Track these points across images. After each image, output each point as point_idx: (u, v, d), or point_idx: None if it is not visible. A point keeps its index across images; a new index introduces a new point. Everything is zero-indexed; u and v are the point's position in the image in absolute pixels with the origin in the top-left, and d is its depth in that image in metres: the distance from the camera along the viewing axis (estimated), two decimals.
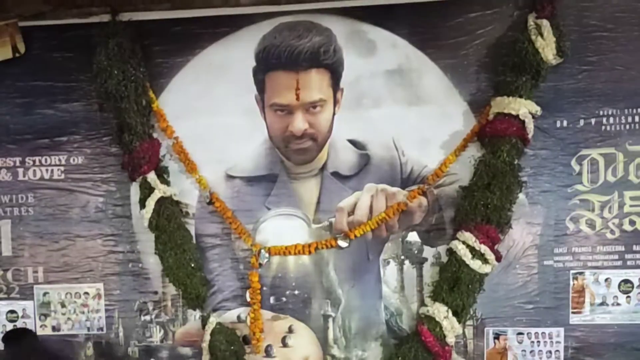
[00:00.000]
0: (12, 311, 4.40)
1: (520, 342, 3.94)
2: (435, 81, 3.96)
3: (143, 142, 4.07)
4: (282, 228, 4.09)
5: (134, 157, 4.07)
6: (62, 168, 4.33)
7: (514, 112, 3.72)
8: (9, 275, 4.40)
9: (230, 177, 4.14)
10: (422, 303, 3.98)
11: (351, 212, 3.98)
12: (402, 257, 4.02)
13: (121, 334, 4.28)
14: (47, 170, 4.34)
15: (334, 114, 4.02)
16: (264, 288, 4.06)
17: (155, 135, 4.16)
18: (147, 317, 4.25)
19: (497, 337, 3.96)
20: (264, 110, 4.08)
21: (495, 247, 3.79)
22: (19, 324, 4.35)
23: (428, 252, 4.01)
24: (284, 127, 4.03)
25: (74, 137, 4.29)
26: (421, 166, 3.97)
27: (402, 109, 3.98)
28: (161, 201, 4.06)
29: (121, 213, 4.27)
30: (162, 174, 4.14)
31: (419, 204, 3.93)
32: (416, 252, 4.00)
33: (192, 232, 4.16)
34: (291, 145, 4.05)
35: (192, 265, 4.08)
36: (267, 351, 4.05)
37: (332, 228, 4.01)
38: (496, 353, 3.97)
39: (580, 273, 3.91)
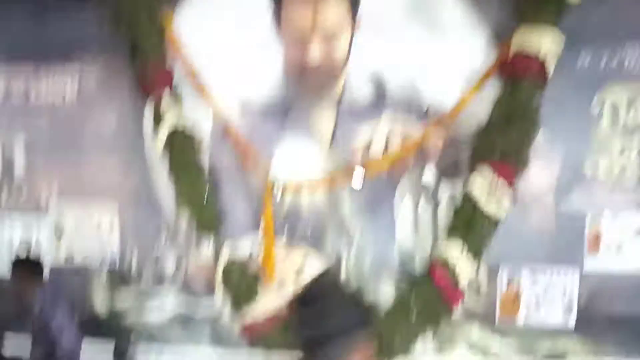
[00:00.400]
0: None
1: (533, 285, 3.91)
2: (458, 10, 3.81)
3: (156, 65, 4.02)
4: (296, 161, 4.04)
5: (147, 79, 4.03)
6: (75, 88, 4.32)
7: (534, 52, 3.55)
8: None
9: (244, 108, 4.08)
10: (436, 244, 3.93)
11: (366, 149, 3.87)
12: (417, 197, 3.96)
13: (135, 263, 4.35)
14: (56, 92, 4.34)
15: (351, 43, 3.88)
16: (278, 221, 4.03)
17: (168, 58, 4.07)
18: (160, 246, 4.30)
19: (510, 281, 3.95)
20: (280, 39, 3.96)
21: (512, 186, 3.70)
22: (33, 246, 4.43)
23: (443, 192, 3.93)
24: (300, 57, 3.89)
25: (87, 58, 4.28)
26: (439, 101, 3.85)
27: (422, 40, 3.83)
28: (174, 129, 4.02)
29: (134, 137, 4.25)
30: (176, 100, 4.07)
31: (436, 141, 3.83)
32: (431, 191, 3.94)
33: (206, 163, 4.12)
34: (307, 76, 3.92)
35: (206, 194, 4.06)
36: (281, 282, 3.99)
37: (347, 164, 3.94)
38: (509, 298, 3.97)
39: (597, 217, 3.85)
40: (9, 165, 4.43)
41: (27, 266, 4.10)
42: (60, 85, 4.29)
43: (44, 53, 4.27)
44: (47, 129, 4.34)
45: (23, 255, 4.23)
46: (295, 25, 3.87)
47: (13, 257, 4.16)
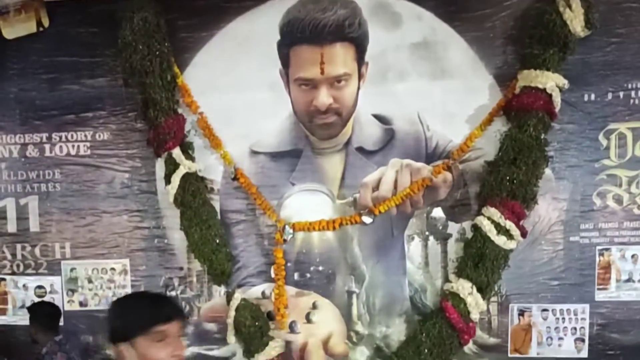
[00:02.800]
0: (40, 286, 4.66)
1: (545, 319, 4.04)
2: (461, 54, 4.05)
3: (168, 118, 4.21)
4: (306, 204, 4.23)
5: (159, 132, 4.22)
6: (88, 144, 4.53)
7: (540, 86, 3.79)
8: (37, 251, 4.64)
9: (254, 153, 4.28)
10: (447, 279, 4.10)
11: (375, 188, 4.09)
12: (427, 233, 4.14)
13: None
14: (73, 146, 4.55)
15: (358, 88, 4.13)
16: (289, 264, 4.22)
17: (180, 110, 4.30)
18: (173, 293, 4.42)
19: (521, 313, 4.07)
20: (289, 85, 4.20)
21: (521, 222, 3.88)
22: (47, 299, 4.58)
23: (453, 227, 4.12)
24: (308, 102, 4.15)
25: (100, 113, 4.49)
26: (446, 141, 4.08)
27: (428, 83, 4.08)
28: (186, 177, 4.22)
29: (147, 189, 4.46)
30: (187, 150, 4.28)
31: (444, 179, 4.04)
32: (441, 227, 4.13)
33: (217, 208, 4.32)
34: (316, 120, 4.17)
35: (217, 241, 4.24)
36: (292, 327, 4.20)
37: (356, 204, 4.13)
38: (521, 330, 4.08)
39: (607, 249, 4.00)
40: (23, 221, 4.63)
41: (43, 311, 4.26)
42: (75, 140, 4.52)
43: (59, 110, 4.50)
44: (61, 183, 4.55)
45: (39, 301, 4.39)
46: (303, 71, 4.14)
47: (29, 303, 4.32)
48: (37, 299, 4.58)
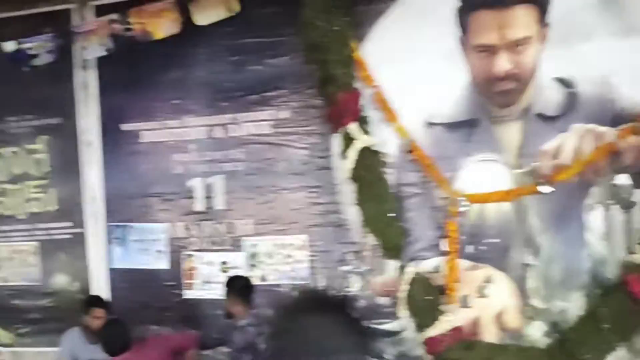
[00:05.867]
0: (223, 262, 4.98)
1: None
2: None
3: (345, 93, 4.39)
4: (482, 175, 4.22)
5: (336, 108, 4.41)
6: (270, 122, 4.84)
7: None
8: (222, 228, 4.98)
9: (430, 124, 4.35)
10: (630, 250, 3.90)
11: (555, 155, 4.01)
12: (609, 202, 3.96)
13: (322, 284, 4.65)
14: (256, 125, 4.87)
15: (539, 51, 4.09)
16: (462, 237, 4.21)
17: (356, 85, 4.46)
18: (346, 267, 4.59)
19: None
20: (467, 52, 4.25)
21: None
22: (230, 274, 4.88)
23: (637, 195, 3.92)
24: (487, 69, 4.17)
25: (281, 92, 4.79)
26: (634, 103, 3.90)
27: (615, 42, 3.95)
28: (362, 152, 4.35)
29: (323, 164, 4.67)
30: (363, 124, 4.42)
31: (630, 144, 3.87)
32: (625, 195, 3.93)
33: (391, 182, 4.42)
34: (494, 88, 4.17)
35: (391, 215, 4.34)
36: (464, 301, 4.18)
37: (534, 173, 4.06)
38: None
39: None
40: (209, 199, 4.98)
41: (240, 284, 4.54)
42: (258, 119, 4.82)
43: (244, 91, 4.84)
44: (244, 162, 4.85)
45: (235, 275, 4.69)
46: (482, 36, 4.17)
47: (227, 278, 4.62)
48: (221, 275, 4.88)
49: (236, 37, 4.86)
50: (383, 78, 4.43)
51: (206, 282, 4.99)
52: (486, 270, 4.20)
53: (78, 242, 5.36)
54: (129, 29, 4.92)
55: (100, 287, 5.22)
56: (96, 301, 4.84)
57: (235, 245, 4.95)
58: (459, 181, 4.26)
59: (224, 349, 4.63)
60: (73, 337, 4.82)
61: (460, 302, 4.18)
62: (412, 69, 4.35)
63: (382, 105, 4.42)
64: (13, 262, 5.54)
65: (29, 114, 5.50)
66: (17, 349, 5.49)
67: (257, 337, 4.21)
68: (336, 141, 4.55)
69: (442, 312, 4.16)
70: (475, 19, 4.19)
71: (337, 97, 4.40)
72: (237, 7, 4.74)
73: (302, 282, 4.71)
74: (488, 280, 4.17)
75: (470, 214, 4.22)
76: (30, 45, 5.17)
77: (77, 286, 5.34)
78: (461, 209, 4.18)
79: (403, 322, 4.34)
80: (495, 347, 4.12)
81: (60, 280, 5.42)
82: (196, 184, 5.03)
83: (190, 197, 5.04)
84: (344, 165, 4.45)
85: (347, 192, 4.53)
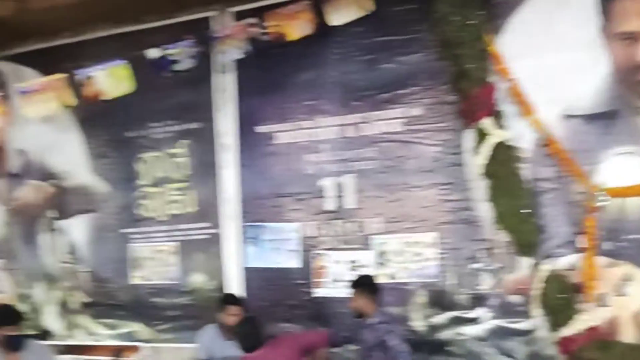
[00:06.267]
0: (352, 261, 4.97)
1: None
2: None
3: (479, 88, 4.33)
4: (622, 168, 4.03)
5: (469, 103, 4.36)
6: (402, 120, 4.81)
7: None
8: (352, 226, 4.98)
9: (567, 117, 4.21)
10: None
11: None
12: None
13: (452, 282, 4.57)
14: (388, 123, 4.86)
15: None
16: (600, 233, 4.03)
17: (491, 79, 4.39)
18: (477, 265, 4.48)
19: None
20: (608, 41, 4.10)
21: None
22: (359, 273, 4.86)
23: None
24: (630, 58, 4.01)
25: (413, 89, 4.76)
26: None
27: None
28: (495, 146, 4.27)
29: (455, 161, 4.59)
30: (498, 118, 4.34)
31: None
32: None
33: (526, 177, 4.29)
34: (637, 77, 4.00)
35: (525, 211, 4.21)
36: (601, 300, 3.99)
37: None
38: None
39: None
40: (340, 198, 4.99)
41: (368, 282, 4.52)
42: (389, 117, 4.81)
43: (376, 90, 4.85)
44: (375, 160, 4.84)
45: (363, 274, 4.66)
46: (626, 23, 4.02)
47: (354, 278, 4.61)
48: (350, 273, 4.87)
49: (368, 36, 4.90)
50: (519, 70, 4.34)
51: (335, 281, 4.98)
52: (625, 268, 3.98)
53: (214, 242, 5.50)
54: (265, 32, 5.03)
55: (235, 285, 5.32)
56: (232, 299, 4.92)
57: (365, 244, 4.93)
58: (598, 175, 4.09)
59: (353, 347, 4.58)
60: (209, 334, 4.91)
61: (598, 300, 3.98)
62: (550, 60, 4.24)
63: (518, 98, 4.32)
64: (154, 261, 5.73)
65: (171, 119, 5.70)
66: (156, 344, 5.64)
67: (387, 334, 4.15)
68: (468, 137, 4.48)
69: (577, 311, 3.98)
70: (619, 5, 4.05)
71: (471, 92, 4.36)
72: (371, 6, 4.77)
73: (432, 280, 4.63)
74: (627, 278, 3.96)
75: (609, 209, 4.03)
76: (173, 51, 5.40)
77: (213, 285, 5.46)
78: (599, 203, 4.00)
79: (536, 320, 4.16)
80: (633, 347, 3.90)
81: (198, 279, 5.56)
82: (327, 184, 5.06)
83: (322, 197, 5.07)
84: (477, 161, 4.38)
85: (479, 189, 4.44)
